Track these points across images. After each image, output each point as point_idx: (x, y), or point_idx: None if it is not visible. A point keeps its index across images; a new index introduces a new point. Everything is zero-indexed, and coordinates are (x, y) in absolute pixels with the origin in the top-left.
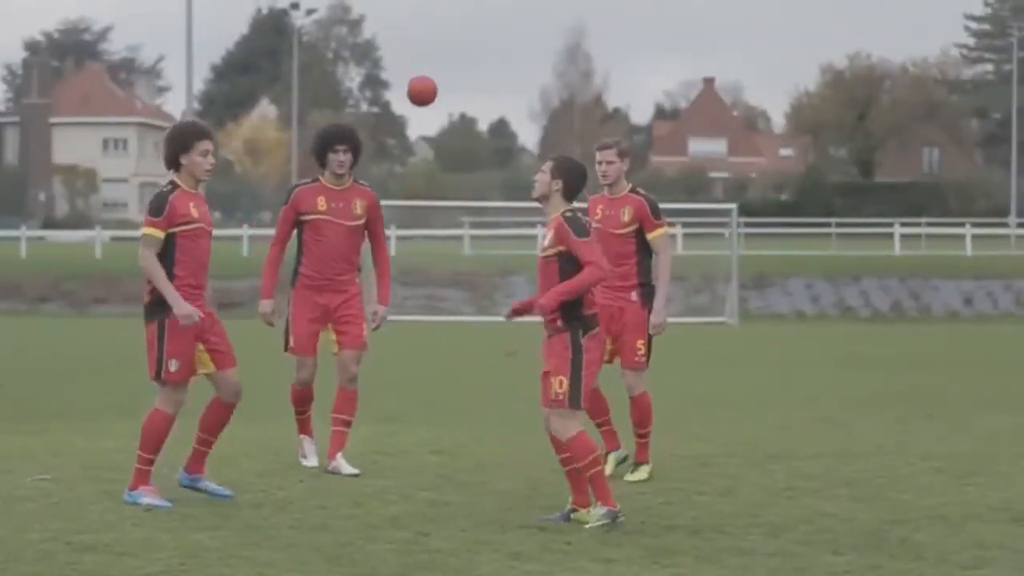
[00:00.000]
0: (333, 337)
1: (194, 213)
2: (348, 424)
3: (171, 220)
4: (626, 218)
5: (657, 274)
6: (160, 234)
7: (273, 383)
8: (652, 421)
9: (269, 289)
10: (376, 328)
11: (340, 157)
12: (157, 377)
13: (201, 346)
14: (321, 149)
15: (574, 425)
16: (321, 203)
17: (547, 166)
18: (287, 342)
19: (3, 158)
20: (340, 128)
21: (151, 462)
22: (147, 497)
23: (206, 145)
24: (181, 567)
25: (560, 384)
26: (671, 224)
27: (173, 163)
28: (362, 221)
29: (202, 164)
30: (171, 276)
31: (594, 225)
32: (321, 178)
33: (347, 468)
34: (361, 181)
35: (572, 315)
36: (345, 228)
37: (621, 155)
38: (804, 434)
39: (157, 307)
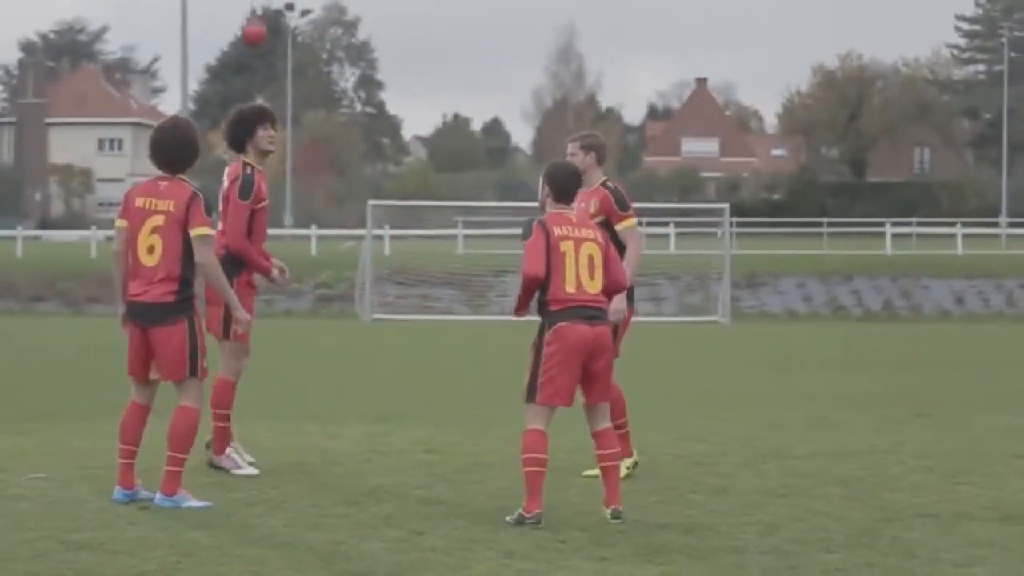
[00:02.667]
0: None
1: (265, 190)
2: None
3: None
4: (592, 210)
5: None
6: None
7: (260, 381)
8: (627, 412)
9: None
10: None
11: (271, 132)
12: (192, 375)
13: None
14: (250, 126)
15: (528, 419)
16: (264, 188)
17: (542, 176)
18: (228, 329)
19: None
20: (262, 105)
21: (184, 463)
22: (191, 500)
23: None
24: (176, 565)
25: (526, 377)
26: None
27: (240, 145)
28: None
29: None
30: (195, 270)
31: None
32: (248, 160)
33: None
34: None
35: (541, 311)
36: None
37: (585, 149)
38: (797, 433)
39: (187, 304)
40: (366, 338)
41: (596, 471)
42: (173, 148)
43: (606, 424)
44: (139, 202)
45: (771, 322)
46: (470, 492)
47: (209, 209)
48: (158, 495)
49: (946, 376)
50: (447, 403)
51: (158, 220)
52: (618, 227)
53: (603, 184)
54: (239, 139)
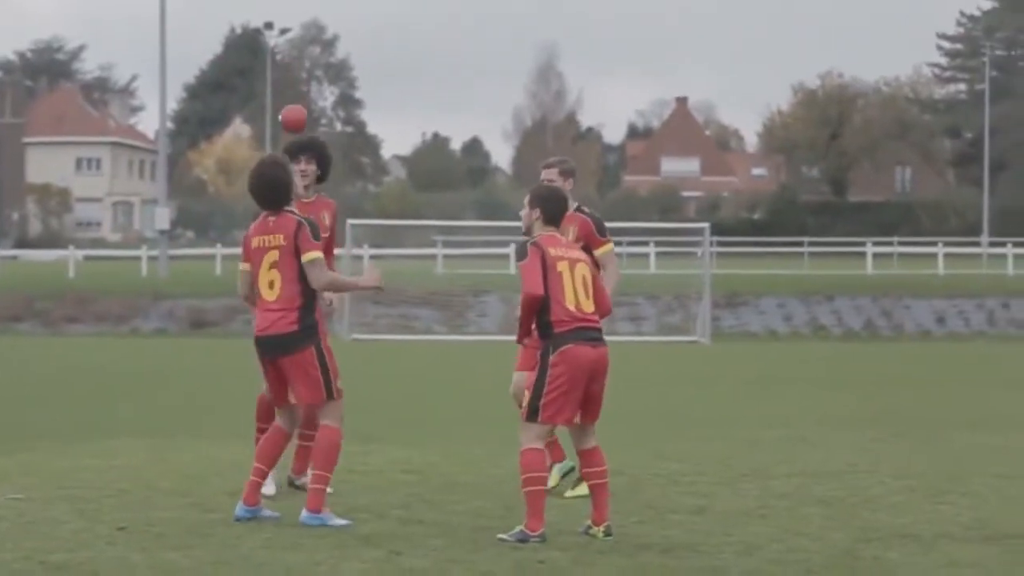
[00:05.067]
0: None
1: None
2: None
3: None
4: (571, 237)
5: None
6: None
7: (243, 401)
8: None
9: None
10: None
11: (301, 167)
12: (331, 396)
13: None
14: (289, 181)
15: (527, 439)
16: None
17: (527, 200)
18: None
19: None
20: (291, 141)
21: (328, 481)
22: (335, 520)
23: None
24: None
25: (527, 397)
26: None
27: (287, 201)
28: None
29: (298, 183)
30: (314, 297)
31: None
32: (295, 214)
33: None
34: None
35: (543, 332)
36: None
37: (563, 175)
38: (776, 453)
39: (311, 330)
40: (345, 358)
41: (578, 491)
42: (264, 191)
43: (594, 443)
44: (255, 242)
45: (751, 342)
46: (449, 512)
47: (316, 234)
48: (304, 512)
49: (926, 395)
50: (426, 423)
51: (274, 256)
52: (597, 252)
53: (579, 209)
54: (287, 195)
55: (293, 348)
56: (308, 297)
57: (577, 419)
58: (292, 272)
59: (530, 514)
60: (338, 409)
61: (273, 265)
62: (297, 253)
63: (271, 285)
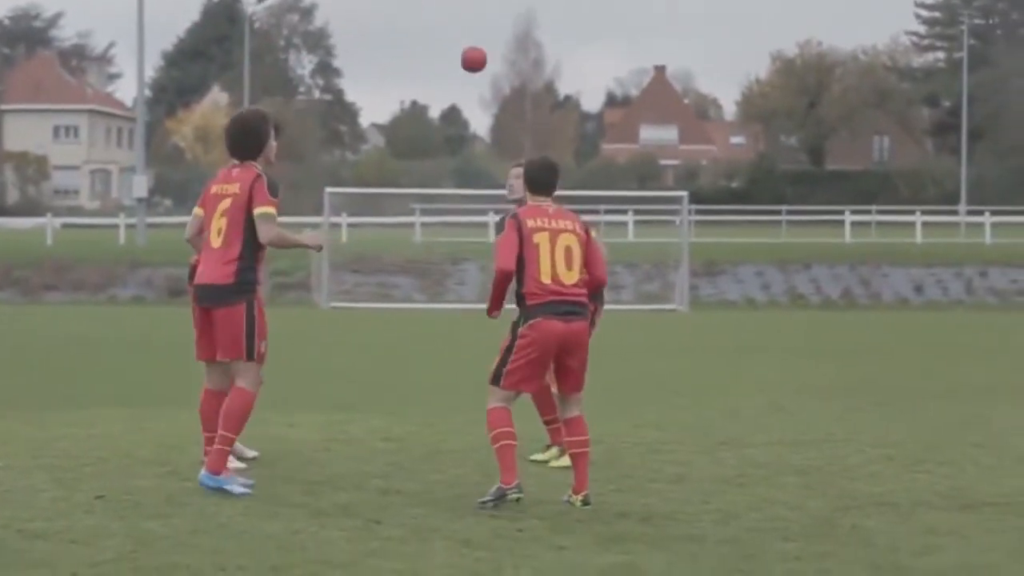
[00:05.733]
0: None
1: None
2: None
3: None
4: None
5: None
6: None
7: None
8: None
9: None
10: None
11: (274, 144)
12: (250, 357)
13: None
14: (266, 136)
15: (492, 400)
16: None
17: (518, 172)
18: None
19: None
20: (277, 117)
21: (233, 443)
22: (235, 485)
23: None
24: (132, 554)
25: (495, 361)
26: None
27: (257, 153)
28: None
29: (274, 147)
30: (258, 253)
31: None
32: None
33: (248, 451)
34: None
35: (518, 303)
36: None
37: None
38: (754, 421)
39: (246, 287)
40: (323, 326)
41: (544, 455)
42: (238, 136)
43: (577, 412)
44: (214, 189)
45: (729, 310)
46: (428, 481)
47: (275, 190)
48: (203, 472)
49: (904, 364)
50: (405, 391)
51: (226, 204)
52: None
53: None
54: (260, 147)
55: (225, 300)
56: (250, 252)
57: (554, 388)
58: (239, 223)
59: (502, 469)
60: (254, 372)
61: (224, 213)
62: (249, 205)
63: (219, 232)
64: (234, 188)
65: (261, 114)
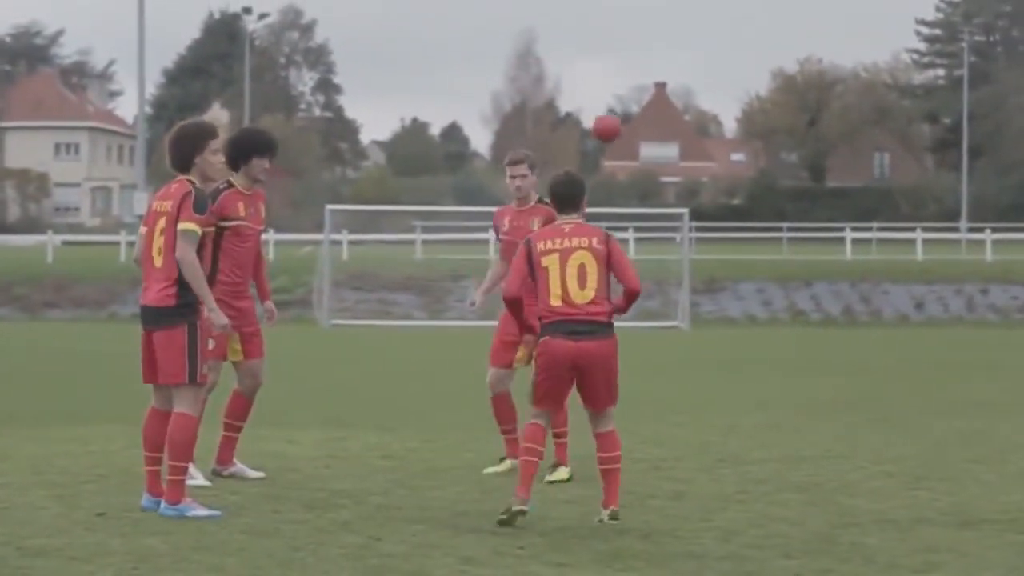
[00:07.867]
0: (238, 346)
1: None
2: (241, 430)
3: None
4: (535, 227)
5: None
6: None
7: (219, 388)
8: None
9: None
10: (271, 324)
11: (266, 164)
12: (191, 381)
13: (236, 335)
14: (248, 153)
15: (528, 415)
16: (241, 208)
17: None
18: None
19: None
20: (269, 136)
21: (186, 471)
22: (197, 510)
23: (216, 144)
24: (133, 571)
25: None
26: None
27: (187, 165)
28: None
29: (215, 162)
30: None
31: (502, 236)
32: (234, 182)
33: (252, 473)
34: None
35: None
36: (258, 233)
37: (532, 168)
38: (755, 438)
39: (188, 308)
40: (324, 343)
41: (557, 476)
42: (169, 148)
43: (604, 428)
44: (155, 206)
45: (730, 327)
46: (428, 498)
47: (201, 206)
48: (162, 504)
49: (905, 381)
50: (405, 408)
51: (163, 223)
52: None
53: (541, 201)
54: (188, 160)
55: (165, 322)
56: None
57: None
58: (173, 242)
59: (519, 481)
60: (195, 395)
61: (162, 232)
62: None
63: (159, 252)
64: (167, 205)
65: (198, 126)
